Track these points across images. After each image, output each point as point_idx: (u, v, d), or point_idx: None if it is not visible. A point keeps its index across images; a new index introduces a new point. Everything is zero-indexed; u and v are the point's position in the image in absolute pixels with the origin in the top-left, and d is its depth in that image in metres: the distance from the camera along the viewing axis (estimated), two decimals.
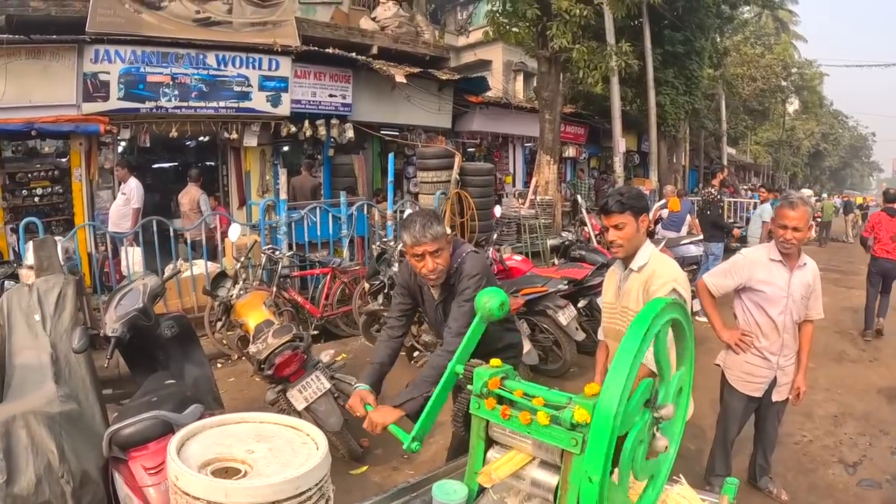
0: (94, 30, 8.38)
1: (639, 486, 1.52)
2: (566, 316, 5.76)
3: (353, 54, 11.04)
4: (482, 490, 1.63)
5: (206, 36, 9.44)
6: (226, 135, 10.02)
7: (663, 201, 10.62)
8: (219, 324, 5.85)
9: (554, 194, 11.92)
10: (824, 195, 36.54)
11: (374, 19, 12.97)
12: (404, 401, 2.59)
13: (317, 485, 1.43)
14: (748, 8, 25.46)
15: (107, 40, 8.55)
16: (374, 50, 12.08)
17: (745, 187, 23.86)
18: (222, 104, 9.68)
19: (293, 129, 10.55)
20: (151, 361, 3.37)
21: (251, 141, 10.32)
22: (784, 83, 32.75)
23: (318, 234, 8.32)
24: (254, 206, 9.94)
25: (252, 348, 4.19)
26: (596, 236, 10.05)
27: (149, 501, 2.24)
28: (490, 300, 1.97)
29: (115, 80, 8.68)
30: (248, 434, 1.63)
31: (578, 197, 13.18)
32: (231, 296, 5.40)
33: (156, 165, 12.76)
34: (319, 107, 10.94)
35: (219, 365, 6.39)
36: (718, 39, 21.29)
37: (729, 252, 8.91)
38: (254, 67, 9.87)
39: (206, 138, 10.75)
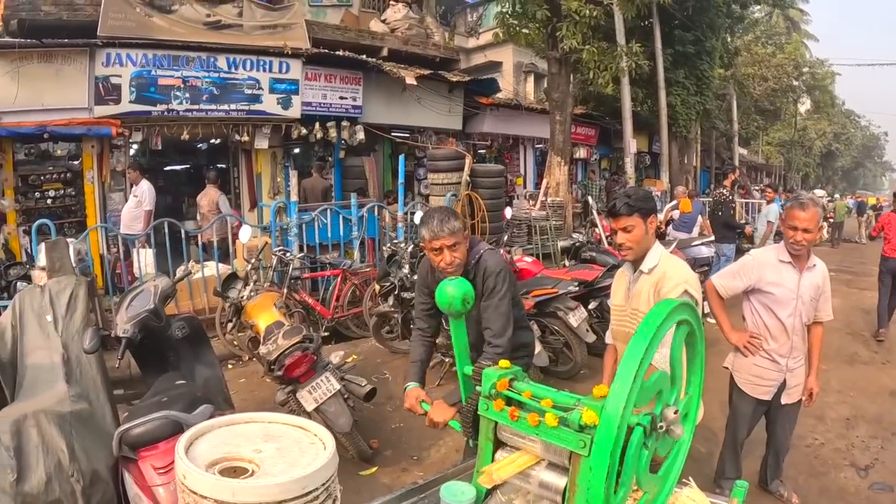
0: (105, 34, 8.46)
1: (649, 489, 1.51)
2: (577, 317, 5.73)
3: (364, 56, 11.06)
4: (490, 492, 1.62)
5: (216, 39, 9.50)
6: (237, 137, 10.07)
7: (674, 202, 10.56)
8: (229, 325, 5.87)
9: (565, 196, 11.87)
10: (836, 195, 36.23)
11: (384, 21, 13.00)
12: (456, 401, 2.67)
13: (324, 484, 1.43)
14: (759, 7, 25.32)
15: (118, 44, 8.63)
16: (385, 52, 12.11)
17: (756, 188, 23.69)
18: (233, 107, 9.73)
19: (304, 131, 10.58)
20: (162, 362, 3.38)
21: (262, 143, 10.37)
22: (795, 83, 32.55)
23: (328, 236, 8.35)
24: (265, 208, 9.99)
25: (262, 349, 4.20)
26: (607, 238, 10.00)
27: (158, 501, 2.25)
28: (453, 291, 1.89)
29: (127, 84, 8.76)
30: (256, 434, 1.63)
31: (589, 198, 13.12)
32: (242, 297, 5.42)
33: (167, 168, 12.85)
34: (330, 109, 10.97)
35: (230, 366, 6.42)
36: (729, 39, 21.16)
37: (740, 253, 8.87)
38: (264, 70, 9.91)
39: (218, 141, 10.81)
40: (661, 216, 10.62)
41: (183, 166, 13.46)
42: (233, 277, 5.81)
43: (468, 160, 9.55)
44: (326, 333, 7.10)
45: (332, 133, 10.96)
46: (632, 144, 15.19)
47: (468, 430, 1.93)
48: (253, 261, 6.49)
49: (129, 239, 7.59)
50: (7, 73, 8.01)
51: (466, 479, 1.69)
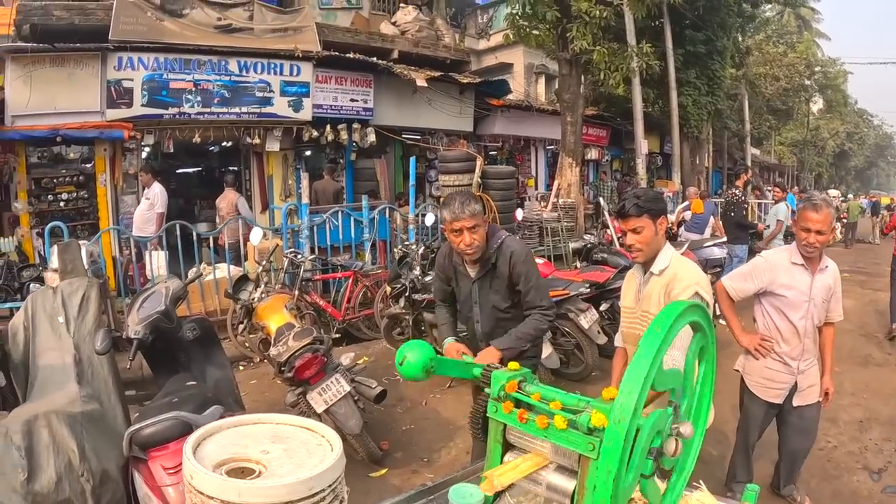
0: (116, 38, 8.52)
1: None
2: (588, 319, 5.71)
3: (374, 59, 11.08)
4: (499, 494, 1.61)
5: (227, 42, 9.54)
6: (248, 140, 10.11)
7: (686, 203, 10.50)
8: (240, 327, 5.89)
9: (576, 197, 11.83)
10: (850, 195, 35.89)
11: (394, 24, 13.01)
12: (506, 347, 2.88)
13: (330, 486, 1.43)
14: (770, 6, 25.16)
15: (130, 48, 8.69)
16: (395, 54, 12.11)
17: (768, 189, 23.52)
18: (244, 110, 9.77)
19: (315, 133, 10.60)
20: (173, 363, 3.40)
21: (273, 146, 10.40)
22: (807, 82, 32.26)
23: (340, 238, 8.36)
24: (276, 211, 10.02)
25: (273, 351, 4.21)
26: (618, 239, 9.96)
27: (167, 501, 2.26)
28: (412, 357, 1.71)
29: (139, 87, 8.82)
30: (263, 435, 1.63)
31: (601, 199, 13.08)
32: (253, 299, 5.44)
33: (179, 171, 12.92)
34: (341, 111, 11.00)
35: (241, 367, 6.44)
36: (740, 38, 21.03)
37: (753, 254, 8.79)
38: (275, 73, 9.95)
39: (229, 143, 10.86)
40: (672, 217, 10.56)
41: (195, 169, 13.54)
42: (244, 279, 5.83)
43: (479, 162, 9.53)
44: (338, 335, 7.12)
45: (344, 135, 10.97)
46: (643, 145, 15.11)
47: (475, 429, 1.92)
48: (264, 263, 6.51)
49: (142, 241, 7.63)
50: (20, 77, 8.10)
51: (475, 482, 1.68)
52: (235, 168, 11.39)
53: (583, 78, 12.08)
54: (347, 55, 10.72)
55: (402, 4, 13.49)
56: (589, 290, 6.10)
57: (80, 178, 9.30)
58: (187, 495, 1.42)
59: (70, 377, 2.90)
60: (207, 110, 9.44)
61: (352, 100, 11.11)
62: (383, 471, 4.19)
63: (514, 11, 11.12)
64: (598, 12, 9.96)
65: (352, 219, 8.42)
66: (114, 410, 2.95)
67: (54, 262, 4.25)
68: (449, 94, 12.65)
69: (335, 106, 10.89)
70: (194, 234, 7.62)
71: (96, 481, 2.37)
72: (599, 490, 1.22)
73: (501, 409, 1.58)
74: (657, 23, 15.25)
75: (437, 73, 11.74)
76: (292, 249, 7.42)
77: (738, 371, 3.59)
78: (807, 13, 36.10)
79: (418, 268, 6.36)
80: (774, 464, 3.78)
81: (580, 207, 12.10)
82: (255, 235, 6.79)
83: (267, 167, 10.83)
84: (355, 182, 12.00)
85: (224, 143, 11.02)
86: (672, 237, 9.67)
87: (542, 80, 19.01)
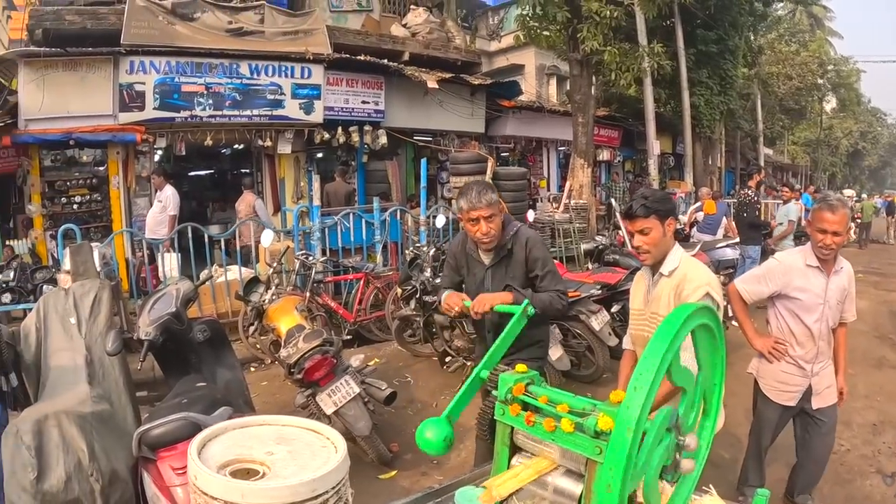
0: (128, 42, 8.59)
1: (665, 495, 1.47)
2: (599, 321, 5.68)
3: (385, 61, 11.10)
4: (506, 498, 1.60)
5: (238, 46, 9.59)
6: (260, 142, 10.15)
7: (699, 204, 10.43)
8: (251, 328, 5.92)
9: (588, 198, 11.78)
10: (863, 195, 35.50)
11: (404, 26, 13.02)
12: (516, 294, 2.86)
13: (334, 488, 1.42)
14: (781, 4, 24.94)
15: (141, 52, 8.76)
16: (406, 56, 12.12)
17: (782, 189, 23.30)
18: (256, 112, 9.82)
19: (326, 135, 10.64)
20: (184, 364, 3.41)
21: (285, 148, 10.44)
22: (820, 81, 31.93)
23: (351, 240, 8.38)
24: (288, 213, 10.06)
25: (283, 353, 4.23)
26: (629, 240, 9.90)
27: (176, 501, 2.26)
28: (432, 435, 1.70)
29: (151, 91, 8.89)
30: (269, 436, 1.63)
31: (613, 200, 13.03)
32: (263, 301, 5.46)
33: (192, 173, 13.01)
34: (352, 113, 11.02)
35: (252, 369, 6.47)
36: (752, 37, 20.83)
37: (766, 254, 8.71)
38: (286, 76, 10.00)
39: (241, 146, 10.91)
40: (685, 218, 10.49)
41: (207, 172, 13.63)
42: (255, 281, 5.85)
43: (490, 163, 9.52)
44: (349, 337, 7.13)
45: (355, 137, 10.99)
46: (655, 146, 15.03)
47: (482, 432, 1.91)
48: (275, 265, 6.53)
49: (154, 243, 7.69)
50: (33, 81, 8.19)
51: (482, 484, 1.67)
52: (246, 170, 11.45)
53: (594, 79, 12.04)
54: (358, 57, 10.74)
55: (412, 6, 13.50)
56: (600, 291, 6.07)
57: (94, 180, 9.38)
58: (192, 496, 1.42)
59: (81, 378, 2.92)
60: (219, 113, 9.50)
61: (363, 102, 11.14)
62: (393, 473, 4.19)
63: (525, 12, 11.10)
64: (608, 12, 9.92)
65: (363, 221, 8.43)
66: (124, 411, 2.97)
67: (66, 263, 4.29)
68: (460, 95, 12.64)
69: (346, 108, 10.91)
70: (206, 236, 7.66)
71: (105, 481, 2.39)
72: (607, 494, 1.21)
73: (509, 411, 1.57)
74: (668, 22, 15.17)
75: (447, 75, 11.73)
76: (303, 251, 7.45)
77: (751, 374, 3.54)
78: (819, 11, 35.77)
79: (429, 269, 6.34)
80: (790, 469, 3.71)
81: (592, 209, 12.06)
82: (266, 238, 6.82)
83: (279, 169, 10.87)
84: (367, 184, 12.02)
85: (236, 146, 11.07)
86: (684, 238, 9.61)
87: (553, 82, 18.96)
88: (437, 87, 11.23)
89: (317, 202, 8.38)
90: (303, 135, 10.62)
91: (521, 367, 1.71)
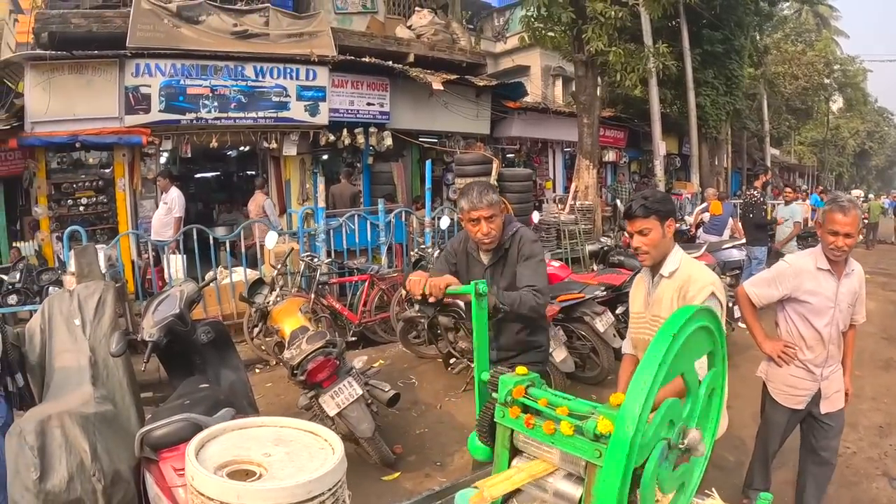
0: (134, 45, 8.63)
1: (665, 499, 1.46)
2: (603, 322, 5.66)
3: (390, 63, 11.11)
4: (506, 499, 1.59)
5: (243, 48, 9.62)
6: (265, 144, 10.18)
7: (705, 205, 10.39)
8: (256, 330, 5.93)
9: (594, 199, 11.77)
10: (871, 195, 35.29)
11: (409, 27, 13.03)
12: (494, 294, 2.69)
13: (330, 489, 1.42)
14: (787, 4, 24.86)
15: (147, 54, 8.80)
16: (411, 58, 12.12)
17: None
18: (261, 114, 9.84)
19: (332, 137, 10.65)
20: (188, 366, 3.42)
21: (290, 150, 10.46)
22: (827, 80, 31.82)
23: (356, 242, 8.39)
24: (294, 214, 10.08)
25: (286, 354, 4.23)
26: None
27: (177, 501, 2.28)
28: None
29: (156, 93, 8.92)
30: (267, 437, 1.63)
31: (618, 202, 13.00)
32: (268, 302, 5.48)
33: (197, 175, 13.06)
34: (357, 115, 11.04)
35: (256, 370, 6.48)
36: (758, 37, 20.78)
37: (771, 255, 8.67)
38: (291, 78, 10.02)
39: (246, 148, 10.96)
40: (690, 219, 10.45)
41: (212, 174, 13.68)
42: (259, 283, 5.87)
43: (496, 164, 9.53)
44: (354, 338, 7.14)
45: (360, 139, 11.01)
46: (661, 146, 15.00)
47: (482, 434, 1.90)
48: (280, 266, 6.53)
49: (160, 245, 7.72)
50: (39, 84, 8.25)
51: None
52: (251, 172, 11.49)
53: (599, 79, 12.04)
54: (363, 59, 10.76)
55: (417, 8, 13.51)
56: (605, 293, 6.05)
57: (100, 182, 9.44)
58: (189, 496, 1.42)
59: (85, 379, 2.93)
60: (224, 115, 9.53)
61: (368, 104, 11.15)
62: (396, 474, 4.18)
63: (530, 13, 11.11)
64: (613, 13, 9.92)
65: (368, 222, 8.43)
66: (128, 411, 2.98)
67: (71, 265, 4.30)
68: (465, 97, 12.64)
69: (351, 110, 10.93)
70: (211, 237, 7.69)
71: (108, 481, 2.40)
72: (605, 497, 1.20)
73: (508, 413, 1.56)
74: (674, 23, 15.14)
75: (453, 77, 11.74)
76: (309, 253, 7.46)
77: (759, 377, 3.51)
78: (825, 11, 35.70)
79: None
80: (795, 473, 3.67)
81: (598, 210, 12.05)
82: (270, 239, 6.83)
83: (284, 171, 10.89)
84: (372, 186, 12.03)
85: (241, 148, 11.12)
86: (690, 239, 9.58)
87: (559, 83, 18.97)
88: (442, 88, 11.23)
89: (322, 204, 8.41)
90: (308, 137, 10.63)
91: (521, 369, 1.70)
